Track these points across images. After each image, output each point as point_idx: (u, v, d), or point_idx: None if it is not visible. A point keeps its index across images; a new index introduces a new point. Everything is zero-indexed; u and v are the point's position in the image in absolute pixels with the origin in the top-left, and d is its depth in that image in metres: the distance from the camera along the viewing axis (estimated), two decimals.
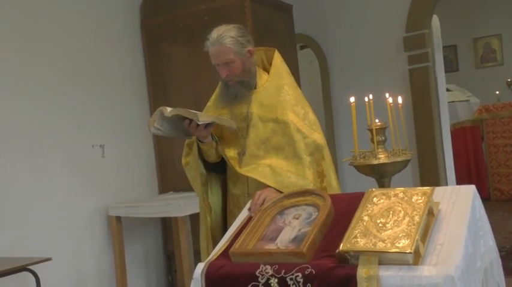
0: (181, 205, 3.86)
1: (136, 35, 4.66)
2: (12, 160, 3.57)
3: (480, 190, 1.85)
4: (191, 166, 2.50)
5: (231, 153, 2.40)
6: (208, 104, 2.56)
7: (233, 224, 2.09)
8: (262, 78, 2.44)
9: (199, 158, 2.45)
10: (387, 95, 2.35)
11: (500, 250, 1.88)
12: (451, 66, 8.95)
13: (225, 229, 2.52)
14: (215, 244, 2.39)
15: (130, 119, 4.49)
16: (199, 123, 2.22)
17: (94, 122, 4.18)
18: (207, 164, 2.49)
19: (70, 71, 4.03)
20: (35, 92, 3.76)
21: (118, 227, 4.13)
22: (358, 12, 5.17)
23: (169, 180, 4.59)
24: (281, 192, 2.15)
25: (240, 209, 2.32)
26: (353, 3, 5.21)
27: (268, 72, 2.47)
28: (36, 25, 3.82)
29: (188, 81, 4.46)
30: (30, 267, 3.01)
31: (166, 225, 4.61)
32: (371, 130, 2.33)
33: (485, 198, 6.44)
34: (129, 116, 4.49)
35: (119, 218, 4.14)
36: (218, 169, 2.51)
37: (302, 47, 5.83)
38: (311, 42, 5.53)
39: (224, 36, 2.30)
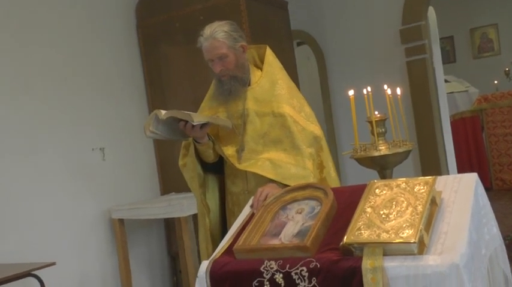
0: (184, 205, 3.87)
1: (133, 36, 4.66)
2: (12, 164, 3.57)
3: (482, 179, 1.83)
4: (188, 167, 2.50)
5: (229, 151, 2.40)
6: (202, 104, 2.56)
7: (236, 221, 2.08)
8: (255, 75, 2.45)
9: (196, 159, 2.45)
10: (385, 86, 2.35)
11: (504, 239, 1.87)
12: (448, 57, 8.96)
13: (223, 229, 2.52)
14: (214, 244, 2.40)
15: (129, 121, 4.49)
16: (194, 124, 2.22)
17: (93, 125, 4.17)
18: (204, 165, 2.49)
19: (68, 74, 4.03)
20: (33, 95, 3.76)
21: (121, 230, 4.13)
22: (354, 7, 5.17)
23: (171, 181, 4.59)
24: (284, 186, 2.15)
25: (240, 207, 2.32)
26: None
27: (260, 70, 2.48)
28: (33, 28, 3.81)
29: (186, 81, 4.46)
30: (35, 272, 3.01)
31: (169, 226, 4.60)
32: (371, 122, 2.33)
33: (487, 188, 6.43)
34: (128, 118, 4.49)
35: (121, 221, 4.14)
36: (215, 169, 2.51)
37: (299, 44, 5.83)
38: (308, 38, 5.52)
39: (217, 31, 2.31)
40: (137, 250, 4.41)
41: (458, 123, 6.93)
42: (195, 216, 3.83)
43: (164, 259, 4.70)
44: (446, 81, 6.12)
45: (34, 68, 3.79)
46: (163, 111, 2.25)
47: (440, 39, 5.63)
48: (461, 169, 5.65)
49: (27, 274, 2.98)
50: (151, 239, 4.61)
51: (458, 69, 8.68)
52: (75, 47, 4.11)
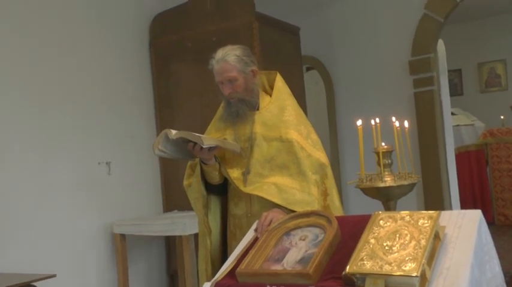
0: (186, 224, 3.87)
1: (145, 54, 4.72)
2: (18, 176, 3.59)
3: (484, 214, 1.84)
4: (193, 188, 2.51)
5: (234, 173, 2.41)
6: (210, 126, 2.59)
7: (239, 245, 2.08)
8: (264, 100, 2.48)
9: (201, 179, 2.47)
10: (394, 118, 2.37)
11: (504, 275, 1.87)
12: (455, 90, 8.99)
13: (224, 251, 2.53)
14: (213, 266, 2.40)
15: (137, 137, 4.52)
16: (204, 146, 2.25)
17: (101, 139, 4.21)
18: (207, 186, 2.50)
19: (78, 88, 4.08)
20: (41, 109, 3.80)
21: (122, 245, 4.14)
22: (365, 36, 5.23)
23: (174, 198, 4.60)
24: (289, 211, 2.16)
25: (242, 230, 2.33)
26: (359, 26, 5.27)
27: (269, 95, 2.51)
28: (45, 42, 3.87)
29: (195, 100, 4.50)
30: (35, 283, 3.02)
31: (170, 243, 4.60)
32: (378, 153, 2.35)
33: (490, 223, 6.41)
34: (135, 134, 4.52)
35: (123, 236, 4.15)
36: (218, 190, 2.52)
37: (308, 69, 5.87)
38: (317, 64, 5.57)
39: (229, 54, 2.36)
40: (137, 266, 4.41)
41: (463, 157, 6.93)
42: (196, 235, 3.83)
43: (163, 277, 4.69)
44: (452, 113, 6.15)
45: (44, 82, 3.84)
46: (173, 131, 2.28)
47: (449, 71, 5.67)
48: (464, 203, 5.64)
49: (27, 285, 2.99)
50: (152, 256, 4.60)
51: (465, 102, 8.70)
52: (87, 62, 4.18)
